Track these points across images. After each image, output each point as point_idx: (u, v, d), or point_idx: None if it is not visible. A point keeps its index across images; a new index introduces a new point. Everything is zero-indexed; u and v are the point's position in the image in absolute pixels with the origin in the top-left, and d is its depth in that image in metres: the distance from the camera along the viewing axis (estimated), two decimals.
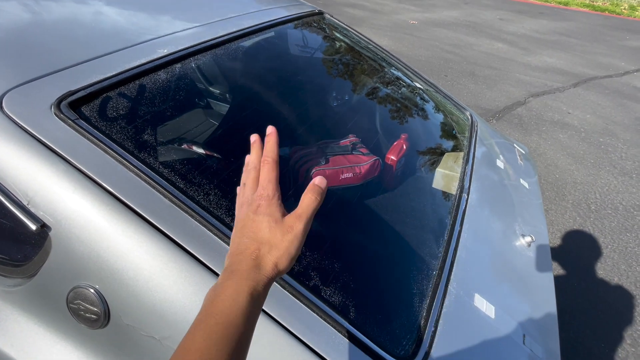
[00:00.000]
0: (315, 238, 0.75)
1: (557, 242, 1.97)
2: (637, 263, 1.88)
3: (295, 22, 1.17)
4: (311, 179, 1.00)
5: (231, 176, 0.69)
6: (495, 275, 0.72)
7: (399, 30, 5.44)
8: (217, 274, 0.48)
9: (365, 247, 0.74)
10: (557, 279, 1.67)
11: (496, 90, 3.75)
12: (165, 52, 0.70)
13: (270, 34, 1.12)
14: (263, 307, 0.46)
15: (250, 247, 0.34)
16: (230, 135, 0.97)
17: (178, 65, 0.71)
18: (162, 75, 0.67)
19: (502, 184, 0.99)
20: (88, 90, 0.57)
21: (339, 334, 0.48)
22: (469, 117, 1.22)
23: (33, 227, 0.47)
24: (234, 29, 0.88)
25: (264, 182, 0.38)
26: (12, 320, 0.53)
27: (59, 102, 0.53)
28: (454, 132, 1.19)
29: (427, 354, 0.52)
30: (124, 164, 0.51)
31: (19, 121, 0.50)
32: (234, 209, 0.53)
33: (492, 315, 0.63)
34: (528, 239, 0.83)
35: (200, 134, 0.92)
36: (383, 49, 1.38)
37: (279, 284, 0.49)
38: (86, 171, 0.49)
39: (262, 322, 0.46)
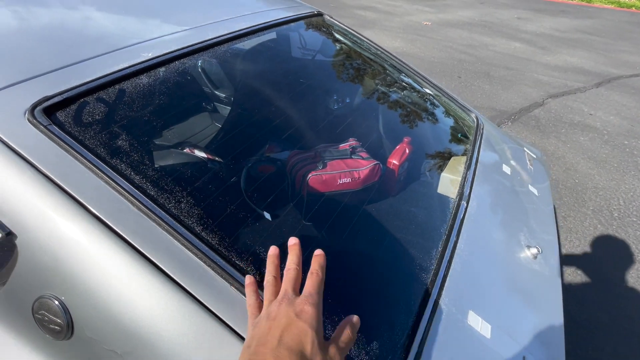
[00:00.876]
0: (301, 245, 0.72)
1: (575, 250, 1.86)
2: None
3: (293, 23, 1.15)
4: (308, 184, 0.97)
5: (206, 183, 0.67)
6: (494, 291, 0.66)
7: (412, 32, 5.36)
8: (183, 289, 0.45)
9: (350, 257, 0.71)
10: (575, 291, 1.58)
11: (512, 91, 3.62)
12: (149, 55, 0.69)
13: (266, 36, 1.10)
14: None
15: (287, 358, 0.30)
16: (217, 138, 0.95)
17: (162, 69, 0.70)
18: (144, 79, 0.66)
19: (508, 190, 0.93)
20: (64, 96, 0.56)
21: None
22: (475, 119, 1.16)
23: (2, 232, 0.46)
24: (226, 32, 0.86)
25: (312, 289, 0.37)
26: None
27: (33, 108, 0.52)
28: (459, 135, 1.13)
29: None
30: (93, 171, 0.50)
31: None
32: (206, 220, 0.50)
33: (488, 335, 0.58)
34: (534, 250, 0.77)
35: (181, 138, 0.91)
36: (384, 49, 1.34)
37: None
38: (54, 178, 0.47)
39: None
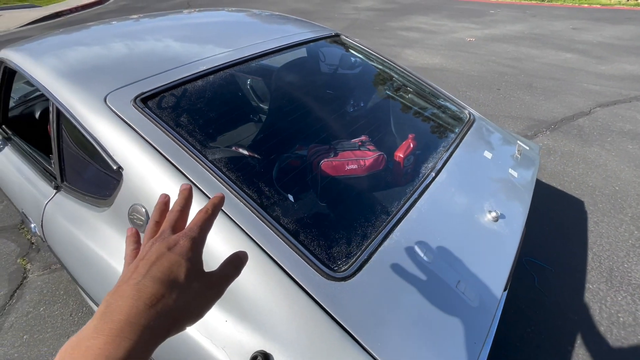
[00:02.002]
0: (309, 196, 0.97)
1: (603, 255, 1.82)
2: None
3: (315, 43, 1.45)
4: (321, 168, 1.23)
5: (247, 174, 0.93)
6: (445, 234, 0.84)
7: (454, 48, 5.44)
8: (240, 227, 0.72)
9: (339, 205, 0.94)
10: (599, 299, 1.59)
11: (555, 101, 3.53)
12: (204, 68, 1.03)
13: (294, 53, 1.41)
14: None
15: (151, 289, 0.27)
16: (256, 138, 1.26)
17: (212, 77, 1.03)
18: (199, 83, 0.99)
19: (482, 169, 1.08)
20: (151, 93, 0.90)
21: (298, 256, 0.69)
22: (467, 115, 1.33)
23: (114, 167, 0.79)
24: (259, 50, 1.18)
25: (193, 225, 0.34)
26: (103, 230, 0.85)
27: (135, 98, 0.87)
28: (451, 127, 1.31)
29: (352, 275, 0.69)
30: (167, 134, 0.82)
31: (113, 109, 0.84)
32: (248, 192, 0.74)
33: (429, 261, 0.77)
34: (494, 214, 0.93)
35: (227, 121, 1.22)
36: (392, 61, 1.57)
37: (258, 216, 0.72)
38: (144, 136, 0.80)
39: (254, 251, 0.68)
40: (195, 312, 0.30)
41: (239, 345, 0.64)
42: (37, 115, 1.75)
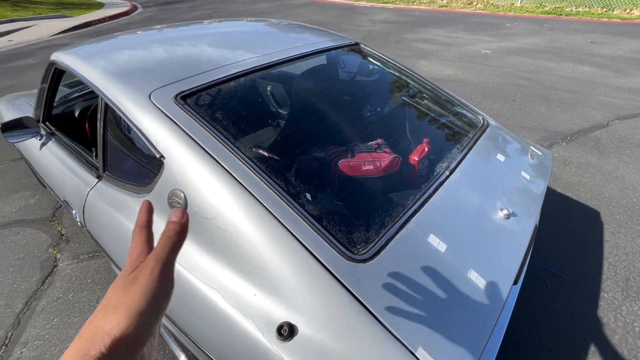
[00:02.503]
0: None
1: (619, 265, 1.81)
2: None
3: (335, 50, 1.53)
4: (338, 168, 1.30)
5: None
6: (459, 228, 0.89)
7: (469, 60, 5.49)
8: (271, 212, 0.78)
9: (353, 195, 1.00)
10: (614, 308, 1.59)
11: (572, 114, 3.52)
12: (236, 71, 1.12)
13: (316, 60, 1.50)
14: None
15: (88, 322, 0.27)
16: (276, 140, 1.34)
17: (242, 79, 1.12)
18: (232, 85, 1.08)
19: (495, 170, 1.13)
20: (189, 92, 1.00)
21: (321, 239, 0.76)
22: (481, 120, 1.38)
23: (157, 156, 0.88)
24: (285, 57, 1.28)
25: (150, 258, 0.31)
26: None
27: (176, 96, 0.97)
28: (465, 132, 1.36)
29: (371, 258, 0.75)
30: (204, 127, 0.90)
31: (157, 105, 0.94)
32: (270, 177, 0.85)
33: (442, 250, 0.82)
34: (505, 211, 0.97)
35: (254, 119, 1.31)
36: (408, 68, 1.64)
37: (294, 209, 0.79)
38: (184, 128, 0.89)
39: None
40: (130, 307, 0.27)
41: (267, 316, 0.70)
42: (76, 114, 1.89)
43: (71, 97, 1.99)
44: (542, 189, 1.14)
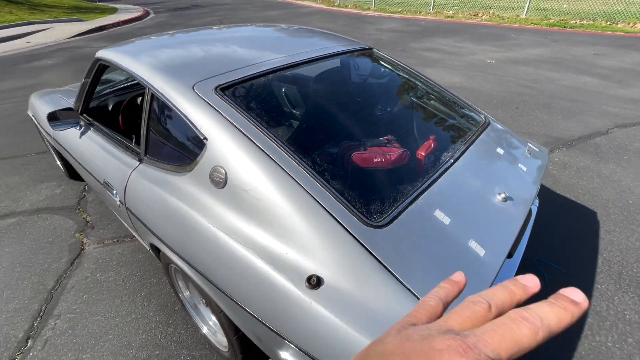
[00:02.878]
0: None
1: (613, 260, 1.92)
2: None
3: (351, 54, 1.68)
4: (352, 160, 1.45)
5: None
6: (462, 207, 1.02)
7: (473, 69, 5.64)
8: (301, 185, 0.93)
9: (369, 176, 1.14)
10: (607, 298, 1.70)
11: (573, 121, 3.64)
12: (262, 69, 1.27)
13: (333, 61, 1.65)
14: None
15: None
16: (293, 133, 1.48)
17: (271, 75, 1.27)
18: (262, 80, 1.23)
19: (495, 161, 1.26)
20: (228, 84, 1.14)
21: (344, 208, 0.89)
22: (483, 119, 1.51)
23: (201, 137, 1.02)
24: (307, 58, 1.42)
25: (487, 337, 0.22)
26: (184, 188, 1.08)
27: (215, 88, 1.11)
28: (469, 128, 1.49)
29: (385, 225, 0.88)
30: (239, 113, 1.05)
31: (200, 95, 1.08)
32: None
33: (446, 223, 0.95)
34: (503, 195, 1.10)
35: (280, 108, 1.45)
36: (417, 72, 1.79)
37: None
38: (224, 115, 1.03)
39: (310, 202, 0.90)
40: None
41: (297, 270, 0.83)
42: (109, 108, 2.06)
43: (104, 92, 2.15)
44: (537, 180, 1.26)
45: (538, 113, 3.88)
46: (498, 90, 4.65)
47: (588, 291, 1.74)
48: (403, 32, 9.11)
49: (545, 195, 2.49)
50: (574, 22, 9.26)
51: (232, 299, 0.94)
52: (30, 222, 2.39)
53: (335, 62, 1.68)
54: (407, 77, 1.79)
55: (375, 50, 1.81)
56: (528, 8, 10.37)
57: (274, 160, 0.95)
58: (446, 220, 0.95)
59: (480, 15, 11.14)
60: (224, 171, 0.98)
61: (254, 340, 1.04)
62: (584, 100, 4.22)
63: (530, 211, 1.11)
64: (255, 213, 0.93)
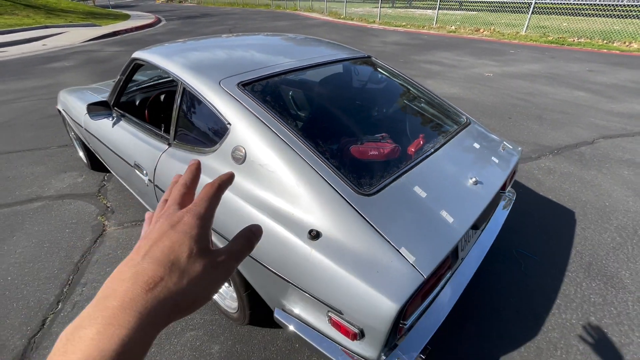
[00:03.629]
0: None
1: (585, 252, 2.11)
2: None
3: (352, 61, 1.92)
4: (349, 152, 1.67)
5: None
6: (438, 185, 1.23)
7: (472, 82, 5.90)
8: (305, 160, 1.17)
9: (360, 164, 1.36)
10: (576, 284, 1.89)
11: (562, 132, 3.87)
12: (276, 70, 1.50)
13: (336, 67, 1.89)
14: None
15: (149, 272, 0.25)
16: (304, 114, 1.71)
17: (283, 76, 1.50)
18: (275, 79, 1.47)
19: (471, 153, 1.48)
20: (248, 81, 1.38)
21: (340, 180, 1.11)
22: (465, 119, 1.74)
23: (225, 122, 1.25)
24: (314, 62, 1.66)
25: (200, 200, 0.31)
26: (209, 164, 1.31)
27: (238, 84, 1.35)
28: (452, 126, 1.72)
29: (373, 194, 1.10)
30: (257, 104, 1.28)
31: (225, 89, 1.32)
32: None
33: (423, 196, 1.16)
34: (474, 179, 1.31)
35: (290, 102, 1.69)
36: (411, 78, 2.02)
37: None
38: (245, 105, 1.26)
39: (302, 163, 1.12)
40: (200, 295, 0.27)
41: (301, 225, 1.05)
42: (137, 103, 2.30)
43: (131, 89, 2.40)
44: (506, 170, 1.48)
45: (529, 123, 4.11)
46: (493, 101, 4.89)
47: (559, 278, 1.93)
48: (406, 45, 9.44)
49: (529, 196, 2.69)
50: (572, 39, 9.58)
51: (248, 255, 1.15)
52: (55, 206, 2.61)
53: (338, 68, 1.92)
54: (401, 82, 2.02)
55: (373, 58, 2.05)
56: (528, 25, 10.72)
57: (285, 142, 1.17)
58: (423, 194, 1.16)
59: (481, 31, 11.50)
60: (244, 150, 1.21)
61: (262, 294, 1.25)
62: (574, 113, 4.45)
63: (504, 198, 1.32)
64: (268, 183, 1.15)
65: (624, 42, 8.92)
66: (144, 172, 1.63)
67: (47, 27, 13.47)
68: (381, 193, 1.12)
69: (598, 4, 12.17)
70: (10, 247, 2.19)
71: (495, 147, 1.62)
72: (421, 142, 1.71)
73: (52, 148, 3.58)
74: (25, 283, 1.92)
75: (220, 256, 0.29)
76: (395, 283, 0.92)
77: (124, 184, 2.28)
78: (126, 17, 18.12)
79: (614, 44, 8.91)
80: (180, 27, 14.08)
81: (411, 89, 1.99)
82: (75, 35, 11.80)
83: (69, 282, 1.93)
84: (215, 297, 1.69)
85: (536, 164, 3.18)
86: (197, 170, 0.37)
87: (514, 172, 1.70)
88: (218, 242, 1.28)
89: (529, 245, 2.17)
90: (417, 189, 1.18)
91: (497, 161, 1.51)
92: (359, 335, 0.96)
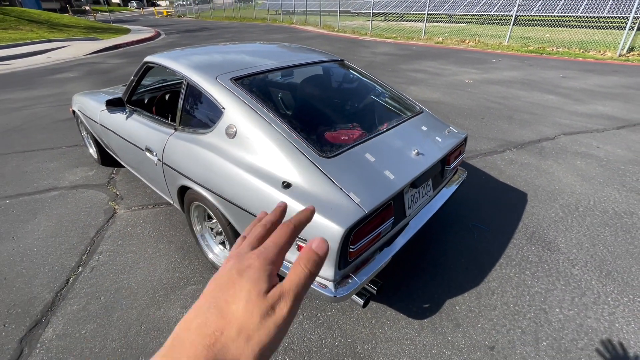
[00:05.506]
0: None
1: (530, 225, 2.47)
2: (604, 246, 2.25)
3: (327, 64, 2.31)
4: (324, 137, 2.04)
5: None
6: (386, 154, 1.59)
7: (452, 87, 6.35)
8: (280, 133, 1.53)
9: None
10: (518, 248, 2.24)
11: (528, 130, 4.26)
12: (262, 69, 1.88)
13: (313, 68, 2.27)
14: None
15: (212, 324, 0.26)
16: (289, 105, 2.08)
17: (269, 74, 1.88)
18: (261, 76, 1.84)
19: (417, 133, 1.85)
20: (239, 76, 1.74)
21: (307, 147, 1.46)
22: (419, 109, 2.12)
23: (221, 108, 1.61)
24: (295, 64, 2.04)
25: (270, 243, 0.31)
26: (206, 139, 1.66)
27: (231, 78, 1.71)
28: (407, 113, 2.09)
29: (333, 157, 1.46)
30: (246, 93, 1.64)
31: (221, 82, 1.68)
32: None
33: (372, 160, 1.52)
34: (416, 151, 1.68)
35: (273, 91, 2.06)
36: (377, 78, 2.41)
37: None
38: (235, 94, 1.63)
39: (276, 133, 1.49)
40: (262, 345, 0.26)
41: (276, 179, 1.40)
42: (145, 100, 2.68)
43: (141, 90, 2.78)
44: (446, 148, 1.84)
45: (500, 123, 4.51)
46: (470, 104, 5.31)
47: (504, 244, 2.28)
48: (395, 55, 9.96)
49: (490, 182, 3.06)
50: (551, 49, 10.14)
51: (236, 206, 1.50)
52: (70, 194, 2.95)
53: (316, 69, 2.30)
54: (369, 81, 2.41)
55: (346, 62, 2.44)
56: (510, 36, 11.32)
57: (266, 120, 1.53)
58: (372, 159, 1.52)
59: (467, 41, 12.09)
60: (235, 128, 1.57)
61: None
62: (542, 114, 4.86)
63: (451, 173, 1.67)
64: (253, 151, 1.50)
65: (599, 51, 9.48)
66: (154, 153, 1.98)
67: (50, 41, 13.96)
68: (339, 157, 1.48)
69: (580, 16, 12.83)
70: (33, 226, 2.52)
71: (441, 130, 1.99)
72: (377, 125, 2.09)
73: (63, 147, 3.93)
74: (49, 253, 2.24)
75: (273, 298, 0.28)
76: (343, 215, 1.27)
77: (134, 172, 2.63)
78: (127, 31, 18.72)
79: (590, 53, 9.47)
80: (179, 41, 14.63)
81: (377, 86, 2.37)
82: (78, 49, 12.27)
83: (87, 251, 2.26)
84: (211, 256, 2.02)
85: (500, 156, 3.56)
86: (282, 212, 0.37)
87: (459, 152, 2.07)
88: (215, 201, 1.62)
89: (483, 220, 2.52)
90: (367, 155, 1.54)
91: (439, 140, 1.88)
92: None
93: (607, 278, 1.98)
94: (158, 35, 17.33)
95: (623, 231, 2.38)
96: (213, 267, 2.07)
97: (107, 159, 3.27)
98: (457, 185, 2.12)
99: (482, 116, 4.78)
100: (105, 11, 39.94)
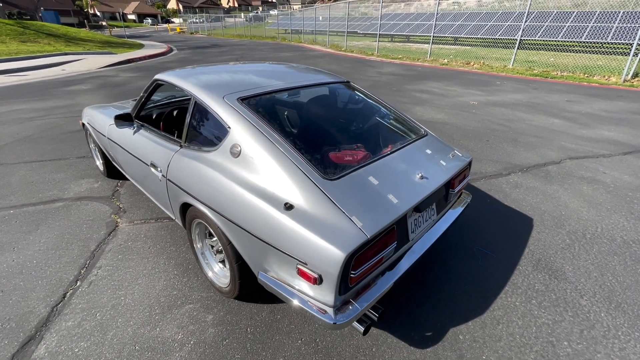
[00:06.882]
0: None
1: (536, 251, 2.41)
2: (613, 276, 2.19)
3: (333, 85, 2.34)
4: (329, 158, 2.04)
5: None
6: (389, 177, 1.58)
7: (457, 109, 6.39)
8: (288, 157, 1.54)
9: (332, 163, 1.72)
10: (524, 275, 2.19)
11: (533, 153, 4.25)
12: (268, 90, 1.90)
13: (319, 89, 2.30)
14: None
15: None
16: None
17: (276, 95, 1.90)
18: (267, 97, 1.86)
19: (422, 156, 1.84)
20: (246, 96, 1.77)
21: (311, 169, 1.46)
22: (424, 132, 2.12)
23: (226, 127, 1.63)
24: (301, 85, 2.07)
25: None
26: (212, 158, 1.67)
27: (238, 98, 1.74)
28: (411, 136, 2.09)
29: (336, 179, 1.45)
30: (252, 113, 1.66)
31: (228, 102, 1.71)
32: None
33: (376, 183, 1.51)
34: (420, 175, 1.67)
35: (279, 112, 2.08)
36: (381, 99, 2.43)
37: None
38: (242, 114, 1.64)
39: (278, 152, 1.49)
40: None
41: (279, 200, 1.39)
42: (153, 116, 2.72)
43: (150, 105, 2.83)
44: (450, 172, 1.83)
45: (505, 145, 4.51)
46: (475, 126, 5.33)
47: (510, 270, 2.22)
48: (400, 76, 10.11)
49: (494, 205, 3.02)
50: (555, 73, 10.24)
51: (238, 226, 1.49)
52: (74, 206, 2.96)
53: (322, 90, 2.33)
54: (374, 103, 2.43)
55: (351, 83, 2.48)
56: (515, 59, 11.47)
57: (270, 140, 1.54)
58: (375, 182, 1.51)
59: (472, 64, 12.27)
60: (239, 147, 1.58)
61: (247, 260, 1.57)
62: (547, 137, 4.86)
63: (456, 197, 1.66)
64: (257, 171, 1.50)
65: (604, 76, 9.55)
66: (159, 169, 1.99)
67: (66, 54, 14.42)
68: (342, 179, 1.47)
69: (584, 41, 13.00)
70: (35, 237, 2.52)
71: (446, 153, 1.99)
72: (382, 147, 2.09)
73: (70, 159, 3.98)
74: (49, 265, 2.23)
75: None
76: (345, 239, 1.25)
77: (138, 186, 2.64)
78: (140, 46, 19.31)
79: (594, 78, 9.53)
80: (191, 56, 15.02)
81: (381, 107, 2.39)
82: (92, 62, 12.64)
83: (86, 265, 2.24)
84: (211, 274, 1.99)
85: (505, 180, 3.53)
86: None
87: (464, 176, 2.05)
88: (217, 220, 1.61)
89: (488, 245, 2.47)
90: (371, 178, 1.53)
91: (444, 163, 1.87)
92: (319, 280, 1.27)
93: (616, 310, 1.91)
94: (170, 50, 17.83)
95: (632, 260, 2.31)
96: (212, 286, 2.04)
97: (112, 171, 3.29)
98: (462, 209, 2.10)
99: (487, 138, 4.78)
100: (121, 27, 41.37)
